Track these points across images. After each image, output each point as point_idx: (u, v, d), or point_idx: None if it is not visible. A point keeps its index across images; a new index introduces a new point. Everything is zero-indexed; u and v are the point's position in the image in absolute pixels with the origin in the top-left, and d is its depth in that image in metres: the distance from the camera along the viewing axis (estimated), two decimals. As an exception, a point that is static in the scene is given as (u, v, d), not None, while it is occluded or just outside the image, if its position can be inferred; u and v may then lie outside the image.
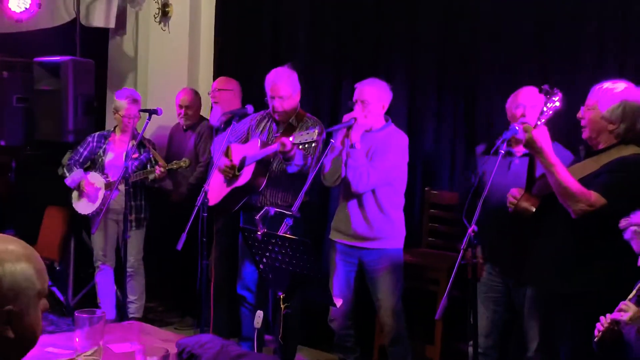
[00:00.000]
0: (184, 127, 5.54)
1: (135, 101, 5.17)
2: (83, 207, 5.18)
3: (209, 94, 5.29)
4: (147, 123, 4.78)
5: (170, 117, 5.52)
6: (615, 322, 2.71)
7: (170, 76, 6.00)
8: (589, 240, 3.13)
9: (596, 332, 2.77)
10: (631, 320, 2.65)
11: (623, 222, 2.77)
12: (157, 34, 6.11)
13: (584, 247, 3.15)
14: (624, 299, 2.76)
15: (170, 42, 6.06)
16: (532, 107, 3.68)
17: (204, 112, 5.78)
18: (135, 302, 5.25)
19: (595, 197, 3.03)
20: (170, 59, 6.07)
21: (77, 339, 2.35)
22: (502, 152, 3.40)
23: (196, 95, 5.52)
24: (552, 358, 3.50)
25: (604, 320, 2.75)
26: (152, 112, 4.80)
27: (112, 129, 5.33)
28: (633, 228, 2.72)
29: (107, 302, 5.28)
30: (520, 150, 3.72)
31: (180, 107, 5.44)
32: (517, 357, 3.84)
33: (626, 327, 2.66)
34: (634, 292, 2.76)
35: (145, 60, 6.22)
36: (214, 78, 5.67)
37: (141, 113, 5.22)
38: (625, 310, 2.69)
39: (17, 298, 1.51)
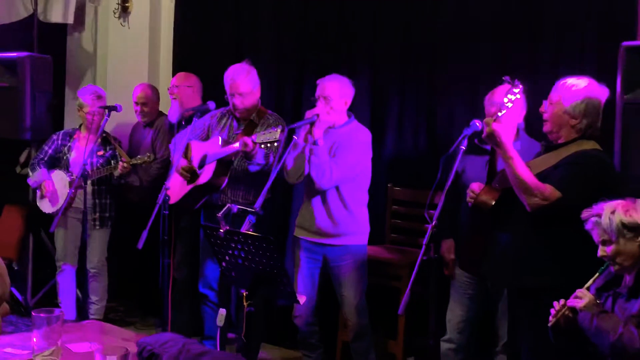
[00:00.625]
0: (143, 124, 5.48)
1: (99, 97, 5.09)
2: (47, 205, 5.10)
3: (168, 89, 5.24)
4: (107, 119, 4.72)
5: (130, 114, 5.44)
6: (570, 309, 2.75)
7: (130, 72, 5.92)
8: (546, 233, 3.17)
9: (550, 318, 2.80)
10: (586, 308, 2.69)
11: (585, 213, 2.81)
12: (116, 29, 6.03)
13: (541, 240, 3.18)
14: None
15: (130, 38, 5.99)
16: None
17: (164, 108, 5.72)
18: (97, 304, 5.17)
19: (550, 190, 3.06)
20: (130, 54, 5.99)
21: (34, 339, 2.30)
22: (463, 148, 3.43)
23: (153, 90, 5.45)
24: (515, 353, 3.55)
25: (558, 305, 2.78)
26: (111, 108, 4.74)
27: (78, 127, 5.24)
28: (594, 219, 2.76)
29: (68, 303, 5.19)
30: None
31: (137, 103, 5.38)
32: (488, 352, 3.88)
33: (581, 314, 2.70)
34: (590, 281, 2.80)
35: (104, 56, 6.13)
36: (175, 74, 5.61)
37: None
38: (581, 297, 2.73)
39: None
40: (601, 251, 2.76)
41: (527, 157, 3.28)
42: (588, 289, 2.77)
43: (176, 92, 5.05)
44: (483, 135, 3.21)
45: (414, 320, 4.39)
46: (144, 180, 5.15)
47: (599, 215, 2.73)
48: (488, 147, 3.72)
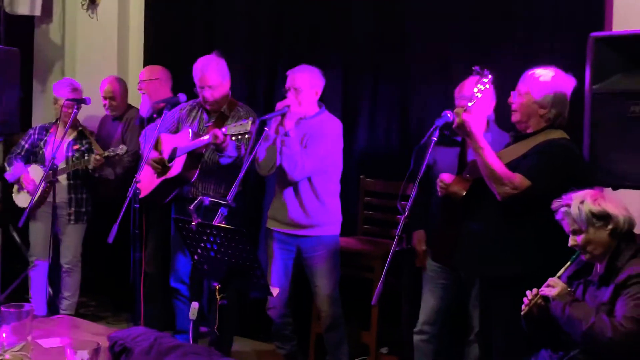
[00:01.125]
0: (112, 117, 5.43)
1: (75, 90, 5.01)
2: (22, 200, 5.03)
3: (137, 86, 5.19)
4: (75, 113, 4.67)
5: (100, 107, 5.38)
6: (543, 298, 2.78)
7: (99, 65, 5.87)
8: (517, 223, 3.20)
9: (523, 307, 2.83)
10: (558, 296, 2.72)
11: (555, 204, 2.84)
12: (84, 21, 5.97)
13: (512, 230, 3.21)
14: None
15: (99, 30, 5.93)
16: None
17: (135, 101, 5.67)
18: (68, 299, 5.12)
19: (519, 179, 3.09)
20: (99, 47, 5.94)
21: (3, 335, 2.27)
22: (434, 139, 3.44)
23: (120, 83, 5.39)
24: (487, 341, 3.58)
25: (530, 294, 2.81)
26: (80, 101, 4.69)
27: (54, 121, 5.16)
28: (564, 209, 2.79)
29: (38, 298, 5.13)
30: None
31: (105, 97, 5.32)
32: (461, 342, 3.90)
33: (553, 303, 2.73)
34: (562, 269, 2.83)
35: (72, 48, 6.07)
36: (145, 66, 5.56)
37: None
38: (553, 286, 2.76)
39: None
40: (572, 240, 2.79)
41: (497, 148, 3.31)
42: (560, 277, 2.80)
43: (144, 87, 5.01)
44: (453, 126, 3.23)
45: (387, 311, 4.41)
46: (116, 172, 5.11)
47: (569, 205, 2.76)
48: (459, 138, 3.74)
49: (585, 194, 2.76)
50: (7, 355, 2.24)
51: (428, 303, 3.95)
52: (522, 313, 2.85)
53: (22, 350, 2.26)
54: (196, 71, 4.33)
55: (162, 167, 4.32)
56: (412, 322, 4.04)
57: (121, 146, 4.76)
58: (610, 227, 2.71)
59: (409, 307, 4.20)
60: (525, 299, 2.84)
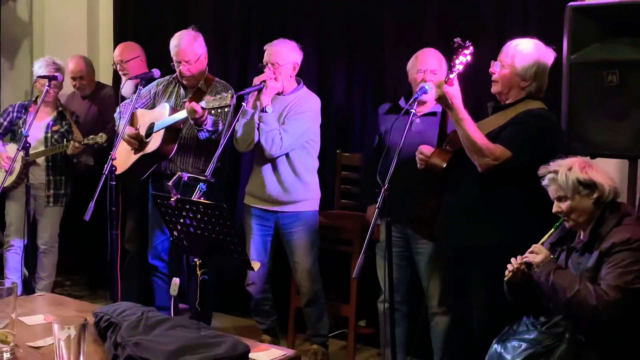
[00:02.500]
0: (82, 95, 5.35)
1: (57, 69, 4.87)
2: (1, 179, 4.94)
3: (113, 65, 5.10)
4: (47, 89, 4.59)
5: (69, 85, 5.30)
6: (526, 264, 2.81)
7: (69, 42, 5.77)
8: (497, 194, 3.22)
9: (507, 272, 2.86)
10: (542, 263, 2.75)
11: (542, 170, 2.86)
12: (52, -3, 5.86)
13: (491, 200, 3.24)
14: None
15: (67, 6, 5.82)
16: (432, 72, 3.77)
17: (105, 78, 5.60)
18: (45, 279, 5.06)
19: (500, 150, 3.11)
20: (68, 23, 5.84)
21: (-14, 313, 2.24)
22: (413, 111, 3.45)
23: (86, 62, 5.29)
24: (462, 310, 3.60)
25: (515, 262, 2.84)
26: (51, 78, 4.62)
27: (33, 99, 5.07)
28: (551, 175, 2.81)
29: (14, 278, 5.06)
30: (421, 110, 3.79)
31: (73, 78, 5.24)
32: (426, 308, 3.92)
33: (537, 270, 2.76)
34: (546, 236, 2.86)
35: (40, 25, 5.95)
36: (115, 43, 5.48)
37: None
38: (537, 253, 2.79)
39: None
40: (556, 207, 2.82)
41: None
42: (543, 244, 2.83)
43: (126, 67, 4.94)
44: (434, 98, 3.23)
45: (365, 284, 4.42)
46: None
47: (556, 172, 2.79)
48: (413, 109, 3.69)
49: (573, 161, 2.79)
50: (-8, 333, 2.21)
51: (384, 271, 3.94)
52: (505, 279, 2.88)
53: (7, 328, 2.23)
54: (173, 46, 4.27)
55: (139, 142, 4.28)
56: (390, 294, 4.04)
57: (101, 134, 4.68)
58: (595, 195, 2.74)
59: (386, 280, 4.21)
60: (509, 265, 2.86)
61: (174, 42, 4.28)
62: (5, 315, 2.24)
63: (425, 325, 3.92)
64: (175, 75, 4.39)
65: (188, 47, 4.24)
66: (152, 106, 4.42)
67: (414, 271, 3.94)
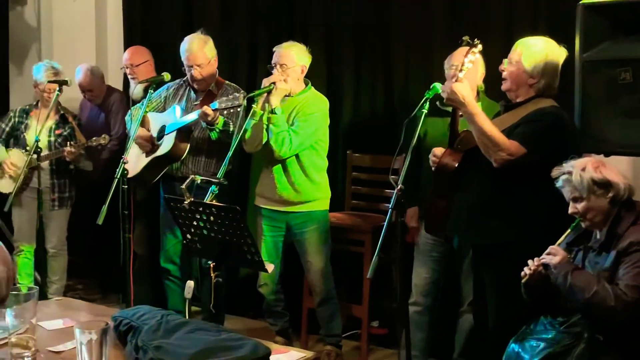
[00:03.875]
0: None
1: (56, 74, 4.89)
2: (4, 185, 4.94)
3: (122, 68, 5.12)
4: (57, 94, 4.59)
5: (78, 89, 5.32)
6: (543, 266, 2.81)
7: (77, 47, 5.78)
8: (509, 192, 3.21)
9: (523, 274, 2.86)
10: (559, 265, 2.75)
11: (555, 171, 2.86)
12: (60, 2, 5.86)
13: (503, 199, 3.23)
14: (545, 247, 2.86)
15: (75, 10, 5.82)
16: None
17: (116, 82, 5.60)
18: (56, 283, 5.07)
19: (515, 146, 3.10)
20: (76, 28, 5.84)
21: (7, 318, 2.25)
22: (424, 111, 3.44)
23: (94, 72, 5.29)
24: (481, 310, 3.61)
25: (532, 264, 2.84)
26: (62, 83, 4.61)
27: (35, 104, 5.08)
28: (565, 176, 2.81)
29: (25, 283, 5.07)
30: None
31: (82, 90, 5.27)
32: (447, 312, 3.93)
33: (555, 271, 2.76)
34: (562, 237, 2.86)
35: (49, 30, 5.97)
36: (124, 47, 5.48)
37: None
38: (554, 254, 2.79)
39: None
40: (572, 208, 2.81)
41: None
42: (560, 245, 2.83)
43: (135, 72, 4.95)
44: (445, 97, 3.23)
45: (377, 285, 4.43)
46: (103, 158, 5.04)
47: (570, 173, 2.79)
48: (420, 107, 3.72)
49: (587, 161, 2.79)
50: (13, 338, 2.22)
51: (420, 275, 3.98)
52: (522, 281, 2.88)
53: (27, 333, 2.24)
54: (183, 50, 4.30)
55: (151, 144, 4.29)
56: (404, 295, 4.06)
57: (104, 135, 4.69)
58: (610, 194, 2.74)
59: (402, 280, 4.22)
60: (526, 268, 2.86)
61: (184, 46, 4.29)
62: (25, 320, 2.25)
63: (444, 325, 3.94)
64: (185, 78, 4.40)
65: (199, 51, 4.26)
66: (163, 109, 4.44)
67: (447, 277, 3.95)
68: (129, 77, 5.05)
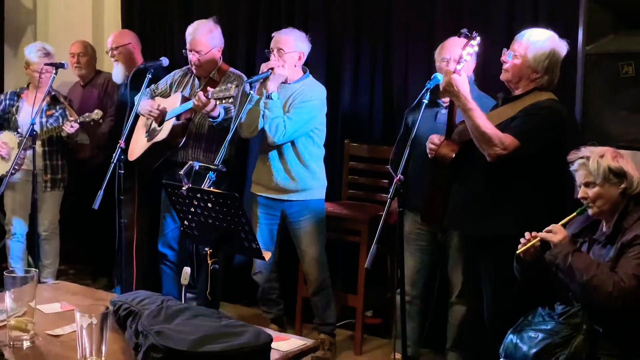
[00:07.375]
0: (82, 83, 5.34)
1: (47, 55, 4.87)
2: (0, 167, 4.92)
3: (107, 52, 5.08)
4: (54, 77, 4.55)
5: (73, 74, 5.28)
6: (542, 243, 2.81)
7: (73, 29, 5.73)
8: (506, 185, 3.21)
9: (520, 247, 2.85)
10: (560, 243, 2.75)
11: (572, 155, 2.86)
12: (56, -17, 5.82)
13: (501, 192, 3.23)
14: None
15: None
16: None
17: (107, 67, 5.57)
18: (49, 267, 5.04)
19: (509, 140, 3.10)
20: (72, 11, 5.79)
21: (6, 301, 2.23)
22: (425, 102, 3.43)
23: (89, 45, 5.31)
24: (474, 301, 3.61)
25: (529, 235, 2.83)
26: (58, 65, 4.56)
27: (25, 86, 5.04)
28: (581, 160, 2.81)
29: (18, 267, 5.04)
30: (447, 100, 3.77)
31: (72, 55, 5.24)
32: (441, 303, 3.92)
33: (555, 250, 2.76)
34: (566, 219, 2.85)
35: (45, 12, 5.91)
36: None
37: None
38: (555, 232, 2.78)
39: None
40: (582, 192, 2.81)
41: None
42: (564, 226, 2.83)
43: (117, 54, 4.92)
44: (441, 88, 3.22)
45: (371, 274, 4.42)
46: (98, 137, 5.01)
47: (587, 158, 2.79)
48: (440, 101, 3.74)
49: (606, 150, 2.80)
50: (12, 321, 2.20)
51: (408, 264, 3.95)
52: (517, 252, 2.87)
53: (26, 316, 2.22)
54: (188, 34, 4.29)
55: (159, 112, 4.28)
56: (401, 285, 4.05)
57: (96, 111, 4.67)
58: (623, 185, 2.74)
59: (398, 270, 4.21)
60: (522, 239, 2.86)
61: (189, 29, 4.30)
62: (24, 303, 2.23)
63: (438, 315, 3.93)
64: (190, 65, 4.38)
65: (201, 37, 4.24)
66: (168, 95, 4.43)
67: (435, 266, 3.94)
68: (112, 59, 5.01)
